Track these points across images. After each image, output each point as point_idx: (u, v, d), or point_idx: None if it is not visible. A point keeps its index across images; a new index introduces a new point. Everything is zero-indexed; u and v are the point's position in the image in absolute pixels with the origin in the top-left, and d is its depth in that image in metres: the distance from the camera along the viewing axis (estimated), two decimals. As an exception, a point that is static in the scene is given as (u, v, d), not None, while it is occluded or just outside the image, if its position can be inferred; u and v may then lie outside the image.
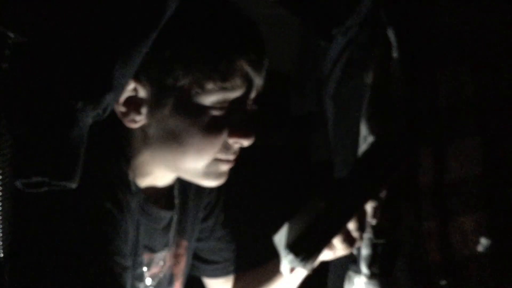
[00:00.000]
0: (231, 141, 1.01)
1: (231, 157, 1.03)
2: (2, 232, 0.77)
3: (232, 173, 1.07)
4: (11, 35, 0.74)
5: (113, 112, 0.98)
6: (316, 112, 1.80)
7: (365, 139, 0.98)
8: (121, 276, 0.94)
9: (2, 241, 0.77)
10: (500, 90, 0.94)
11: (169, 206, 1.13)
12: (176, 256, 1.17)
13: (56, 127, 0.80)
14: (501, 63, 0.94)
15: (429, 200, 0.96)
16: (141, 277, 1.08)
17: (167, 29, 0.89)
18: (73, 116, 0.81)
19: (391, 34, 0.96)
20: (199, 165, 1.01)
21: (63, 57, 0.80)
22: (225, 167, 1.04)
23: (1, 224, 0.76)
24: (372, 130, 0.97)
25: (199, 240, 1.26)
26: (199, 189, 1.21)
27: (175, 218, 1.14)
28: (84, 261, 0.90)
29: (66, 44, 0.80)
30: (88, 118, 0.83)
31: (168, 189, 1.13)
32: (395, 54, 0.96)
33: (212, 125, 0.99)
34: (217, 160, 1.02)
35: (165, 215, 1.11)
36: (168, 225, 1.12)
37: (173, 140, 1.00)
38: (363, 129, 0.98)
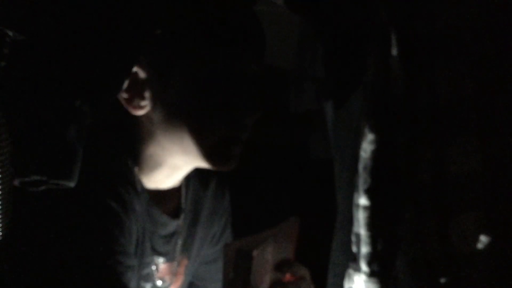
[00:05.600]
0: (236, 115, 0.99)
1: (240, 134, 1.01)
2: (1, 231, 0.77)
3: (230, 172, 1.07)
4: (10, 33, 0.74)
5: (117, 109, 0.98)
6: (315, 110, 1.80)
7: (365, 137, 0.97)
8: (124, 275, 0.93)
9: (2, 239, 0.77)
10: (500, 88, 0.94)
11: (176, 214, 1.11)
12: (175, 274, 1.14)
13: (55, 126, 0.80)
14: (501, 61, 0.94)
15: (429, 198, 0.95)
16: (148, 278, 1.07)
17: (160, 6, 0.89)
18: (71, 114, 0.81)
19: (390, 32, 0.96)
20: (207, 144, 0.99)
21: (61, 56, 0.80)
22: (234, 148, 1.01)
23: (1, 223, 0.76)
24: (372, 128, 0.97)
25: (206, 263, 1.22)
26: (215, 204, 1.19)
27: (182, 230, 1.12)
28: (86, 259, 0.90)
29: (64, 43, 0.80)
30: (87, 116, 0.83)
31: (176, 195, 1.11)
32: (394, 52, 0.95)
33: (213, 99, 0.98)
34: (225, 139, 1.00)
35: (169, 221, 1.08)
36: (172, 234, 1.10)
37: (178, 120, 0.98)
38: (363, 127, 0.98)
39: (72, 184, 0.82)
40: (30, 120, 0.79)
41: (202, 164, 1.03)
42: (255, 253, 0.96)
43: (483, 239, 0.92)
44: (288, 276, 1.10)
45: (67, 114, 0.80)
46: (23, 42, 0.76)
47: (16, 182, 0.79)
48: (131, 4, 0.85)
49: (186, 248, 1.14)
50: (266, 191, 1.87)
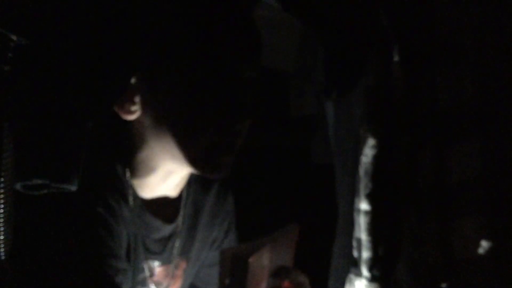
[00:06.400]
0: (226, 120, 0.99)
1: (230, 140, 1.00)
2: (4, 235, 0.77)
3: (231, 174, 1.07)
4: (14, 37, 0.74)
5: (110, 115, 0.98)
6: (316, 114, 1.80)
7: (366, 142, 0.98)
8: (115, 278, 0.94)
9: (4, 243, 0.77)
10: (500, 93, 0.94)
11: (173, 219, 1.11)
12: (173, 277, 1.14)
13: (57, 130, 0.80)
14: (502, 65, 0.94)
15: (430, 203, 0.95)
16: (143, 283, 1.07)
17: (150, 12, 0.90)
18: (74, 119, 0.81)
19: (391, 37, 0.96)
20: (196, 149, 0.98)
21: (65, 60, 0.80)
22: (226, 156, 1.00)
23: (3, 226, 0.76)
24: (373, 132, 0.97)
25: (208, 266, 1.22)
26: (216, 208, 1.19)
27: (180, 234, 1.12)
28: (75, 263, 0.90)
29: (67, 47, 0.80)
30: (88, 121, 0.83)
31: (175, 199, 1.11)
32: (395, 57, 0.96)
33: (203, 103, 0.97)
34: (215, 146, 0.98)
35: (162, 226, 1.08)
36: (168, 238, 1.10)
37: (167, 125, 0.97)
38: (364, 132, 0.98)
39: (73, 188, 0.83)
40: (33, 124, 0.79)
41: (192, 170, 1.02)
42: (251, 259, 0.96)
43: (484, 244, 0.92)
44: (286, 283, 1.10)
45: (69, 119, 0.81)
46: (27, 46, 0.76)
47: (18, 186, 0.79)
48: (127, 11, 0.85)
49: (185, 251, 1.14)
50: (266, 195, 1.86)
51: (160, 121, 0.98)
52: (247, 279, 0.96)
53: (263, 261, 1.02)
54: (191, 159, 0.99)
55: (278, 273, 1.08)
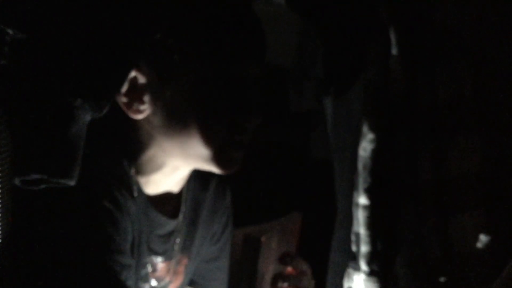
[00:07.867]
0: (238, 119, 0.99)
1: (242, 138, 1.01)
2: (1, 230, 0.77)
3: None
4: (10, 31, 0.74)
5: (117, 111, 0.98)
6: (315, 110, 1.80)
7: (365, 136, 0.97)
8: (121, 274, 0.94)
9: (1, 238, 0.77)
10: (499, 88, 0.94)
11: (175, 214, 1.11)
12: (174, 273, 1.14)
13: (55, 125, 0.80)
14: (500, 60, 0.94)
15: (429, 197, 0.96)
16: (146, 278, 1.07)
17: (160, 10, 0.90)
18: (72, 113, 0.81)
19: (390, 32, 0.96)
20: (208, 148, 0.99)
21: (62, 54, 0.80)
22: (237, 152, 1.01)
23: (0, 221, 0.76)
24: (372, 127, 0.97)
25: (206, 261, 1.22)
26: (215, 204, 1.19)
27: (180, 230, 1.12)
28: (82, 258, 0.90)
29: (64, 41, 0.80)
30: (87, 115, 0.83)
31: (176, 195, 1.12)
32: (394, 51, 0.96)
33: (215, 103, 0.98)
34: (228, 143, 1.00)
35: (166, 222, 1.08)
36: (170, 233, 1.10)
37: (179, 124, 0.98)
38: (363, 126, 0.98)
39: (72, 183, 0.83)
40: (31, 119, 0.79)
41: (203, 166, 1.03)
42: (263, 238, 0.97)
43: (483, 239, 0.92)
44: (289, 269, 1.11)
45: (68, 113, 0.81)
46: (23, 40, 0.76)
47: (17, 181, 0.79)
48: (132, 7, 0.85)
49: (186, 248, 1.14)
50: (265, 191, 1.87)
51: (171, 120, 0.98)
52: (259, 259, 0.96)
53: (272, 243, 1.03)
54: (205, 156, 1.00)
55: (283, 259, 1.09)
